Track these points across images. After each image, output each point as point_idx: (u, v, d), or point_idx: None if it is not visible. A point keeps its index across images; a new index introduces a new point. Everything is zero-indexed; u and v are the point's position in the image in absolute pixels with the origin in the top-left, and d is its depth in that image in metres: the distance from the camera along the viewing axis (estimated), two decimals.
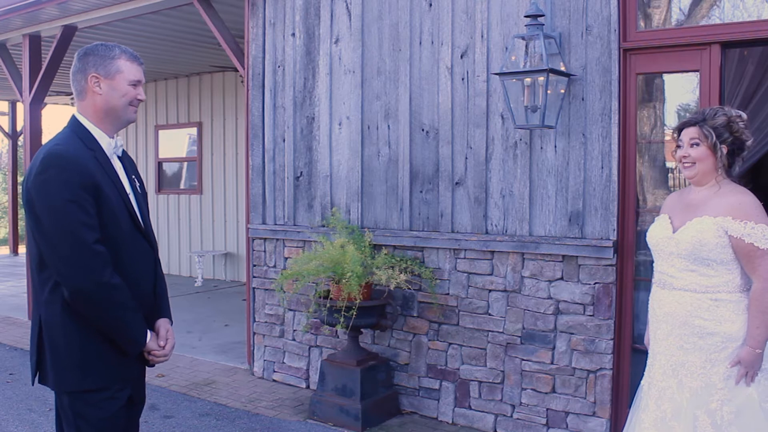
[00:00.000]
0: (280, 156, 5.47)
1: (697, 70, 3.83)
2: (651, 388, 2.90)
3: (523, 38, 4.03)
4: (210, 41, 7.76)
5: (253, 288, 5.66)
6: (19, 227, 14.23)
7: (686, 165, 2.81)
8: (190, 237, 10.98)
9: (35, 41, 7.59)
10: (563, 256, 4.12)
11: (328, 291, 4.55)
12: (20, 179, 14.10)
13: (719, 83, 3.74)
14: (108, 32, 7.71)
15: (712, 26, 3.89)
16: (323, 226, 5.17)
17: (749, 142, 2.82)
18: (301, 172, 5.36)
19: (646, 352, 3.05)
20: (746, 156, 2.90)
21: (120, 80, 2.40)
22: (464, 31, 4.50)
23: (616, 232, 3.99)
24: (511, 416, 4.36)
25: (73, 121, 2.41)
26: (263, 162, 5.56)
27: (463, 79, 4.52)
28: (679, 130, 2.86)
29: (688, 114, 4.21)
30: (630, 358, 4.03)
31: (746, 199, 2.71)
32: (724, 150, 2.76)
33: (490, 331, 4.43)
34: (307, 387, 5.32)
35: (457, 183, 4.57)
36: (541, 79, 3.89)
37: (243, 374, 5.71)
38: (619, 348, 4.03)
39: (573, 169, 4.12)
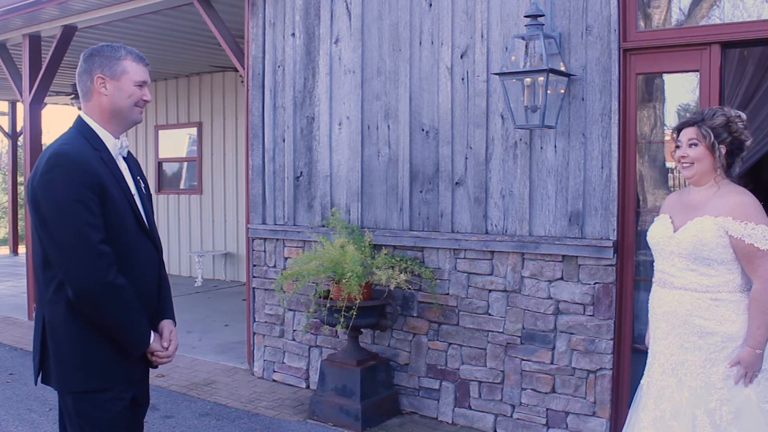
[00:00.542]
0: (280, 156, 5.47)
1: (697, 70, 3.83)
2: (650, 388, 2.90)
3: (523, 38, 4.03)
4: (210, 41, 7.76)
5: (253, 288, 5.66)
6: (18, 227, 14.22)
7: (685, 165, 2.82)
8: (190, 237, 10.98)
9: (35, 41, 7.59)
10: (563, 256, 4.12)
11: (328, 291, 4.55)
12: (20, 179, 14.11)
13: (719, 83, 3.74)
14: (108, 32, 7.71)
15: (712, 26, 3.89)
16: (323, 226, 5.17)
17: (748, 143, 2.82)
18: (301, 172, 5.36)
19: (646, 352, 3.06)
20: (746, 156, 2.90)
21: (126, 81, 2.40)
22: (464, 31, 4.50)
23: (616, 232, 3.99)
24: (511, 416, 4.36)
25: (79, 121, 2.42)
26: (263, 162, 5.56)
27: (463, 79, 4.52)
28: (678, 130, 2.87)
29: (688, 114, 4.21)
30: (630, 358, 4.03)
31: (746, 199, 2.72)
32: (723, 150, 2.77)
33: (490, 331, 4.43)
34: (307, 387, 5.32)
35: (457, 183, 4.57)
36: (541, 79, 3.89)
37: (243, 374, 5.71)
38: (619, 348, 4.04)
39: (573, 169, 4.12)
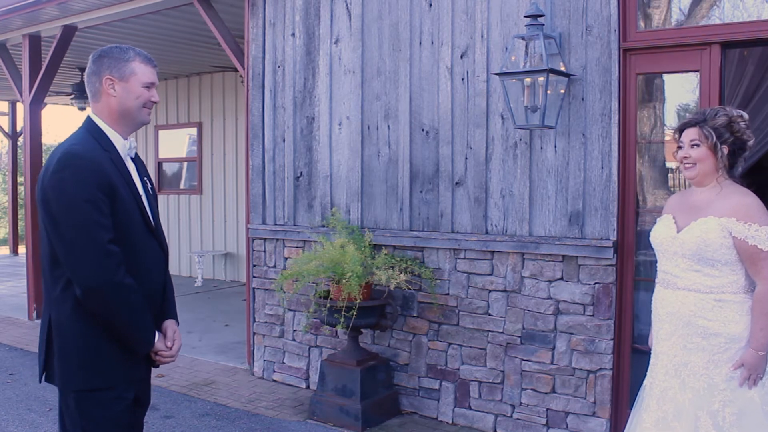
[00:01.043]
0: (280, 156, 5.47)
1: (697, 70, 3.83)
2: (653, 388, 2.89)
3: (523, 38, 4.03)
4: (210, 41, 7.76)
5: (253, 288, 5.66)
6: (18, 227, 14.21)
7: (687, 166, 2.80)
8: (190, 237, 10.98)
9: (35, 41, 7.59)
10: (563, 256, 4.12)
11: (328, 291, 4.55)
12: (20, 179, 14.09)
13: (719, 83, 3.74)
14: (108, 32, 7.71)
15: (712, 26, 3.89)
16: (323, 226, 5.17)
17: (751, 143, 2.80)
18: (301, 172, 5.36)
19: (646, 352, 3.05)
20: (747, 156, 2.89)
21: (134, 82, 2.43)
22: (464, 31, 4.50)
23: (616, 232, 3.99)
24: (511, 416, 4.36)
25: (88, 122, 2.44)
26: (263, 162, 5.56)
27: (463, 79, 4.52)
28: (680, 130, 2.85)
29: (688, 114, 4.21)
30: (630, 358, 4.03)
31: (750, 200, 2.70)
32: (725, 150, 2.75)
33: (490, 331, 4.43)
34: (307, 387, 5.32)
35: (457, 183, 4.57)
36: (541, 79, 3.89)
37: (243, 374, 5.71)
38: (619, 348, 4.03)
39: (573, 169, 4.12)
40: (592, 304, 4.04)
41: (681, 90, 4.32)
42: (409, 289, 4.62)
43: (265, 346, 5.59)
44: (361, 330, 4.71)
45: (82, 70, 10.24)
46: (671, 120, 4.34)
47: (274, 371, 5.54)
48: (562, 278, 4.15)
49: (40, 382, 2.44)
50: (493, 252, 4.40)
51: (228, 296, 9.16)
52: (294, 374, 5.42)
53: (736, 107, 2.99)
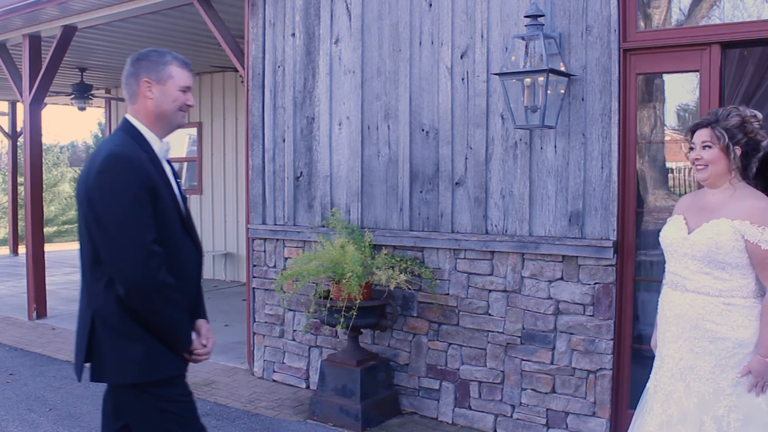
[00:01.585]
0: (280, 156, 5.47)
1: (697, 71, 3.82)
2: (657, 391, 2.85)
3: (523, 38, 4.03)
4: (210, 41, 7.76)
5: (253, 288, 5.66)
6: (18, 227, 14.20)
7: (699, 167, 2.74)
8: None
9: (35, 41, 7.59)
10: (563, 256, 4.12)
11: (328, 291, 4.55)
12: (20, 180, 14.09)
13: (719, 83, 3.74)
14: (108, 32, 7.71)
15: (712, 26, 3.89)
16: (323, 226, 5.17)
17: (764, 143, 2.72)
18: (301, 173, 5.36)
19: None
20: (761, 157, 2.78)
21: (171, 86, 2.48)
22: (464, 32, 4.50)
23: (616, 232, 3.99)
24: (511, 416, 4.36)
25: (126, 123, 2.49)
26: (263, 162, 5.56)
27: (463, 79, 4.52)
28: (692, 131, 2.79)
29: (688, 114, 4.22)
30: (630, 359, 4.03)
31: (765, 204, 2.64)
32: (738, 152, 2.68)
33: (490, 331, 4.43)
34: (307, 387, 5.32)
35: (457, 183, 4.57)
36: (541, 79, 3.89)
37: (243, 374, 5.71)
38: (619, 348, 4.03)
39: (573, 169, 4.12)
40: (592, 304, 4.04)
41: (681, 90, 4.32)
42: (409, 289, 4.62)
43: (265, 346, 5.59)
44: (361, 330, 4.71)
45: (82, 70, 10.25)
46: (671, 120, 4.34)
47: (274, 371, 5.54)
48: (562, 278, 4.15)
49: (79, 380, 2.45)
50: (493, 252, 4.40)
51: (228, 296, 9.16)
52: (294, 374, 5.42)
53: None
